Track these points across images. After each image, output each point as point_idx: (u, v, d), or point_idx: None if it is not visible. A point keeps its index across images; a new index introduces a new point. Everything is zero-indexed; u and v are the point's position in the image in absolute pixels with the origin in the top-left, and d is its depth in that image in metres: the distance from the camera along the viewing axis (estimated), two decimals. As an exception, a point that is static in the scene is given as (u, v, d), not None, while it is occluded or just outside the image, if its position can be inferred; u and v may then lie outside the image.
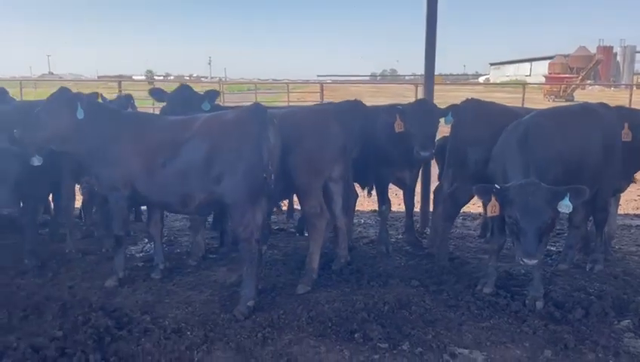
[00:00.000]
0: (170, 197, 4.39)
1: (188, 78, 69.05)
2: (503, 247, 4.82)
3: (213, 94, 5.79)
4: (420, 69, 7.23)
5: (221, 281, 4.95)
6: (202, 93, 5.79)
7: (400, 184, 5.88)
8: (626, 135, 5.07)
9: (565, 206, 3.88)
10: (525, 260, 3.88)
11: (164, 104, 5.79)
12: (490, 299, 4.51)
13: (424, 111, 5.25)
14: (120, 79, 33.05)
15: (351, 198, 5.63)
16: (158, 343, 3.79)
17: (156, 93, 5.79)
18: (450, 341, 3.83)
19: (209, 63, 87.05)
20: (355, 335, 3.89)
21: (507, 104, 6.20)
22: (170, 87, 6.20)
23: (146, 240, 6.04)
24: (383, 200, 5.79)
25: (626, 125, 5.06)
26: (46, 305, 4.31)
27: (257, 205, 4.26)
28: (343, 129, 4.89)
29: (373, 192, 6.04)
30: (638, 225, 7.05)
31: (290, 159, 4.57)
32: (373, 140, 5.50)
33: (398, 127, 5.23)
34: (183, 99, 5.57)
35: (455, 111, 5.31)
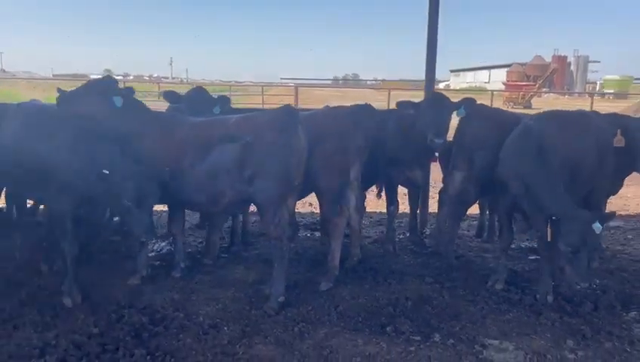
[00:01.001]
0: (202, 197, 4.44)
1: (148, 78, 67.66)
2: (510, 246, 5.11)
3: (225, 100, 5.89)
4: (380, 74, 7.45)
5: (242, 279, 5.02)
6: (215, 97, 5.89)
7: (410, 184, 6.06)
8: (619, 141, 5.42)
9: (597, 228, 4.16)
10: (582, 284, 4.27)
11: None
12: (503, 295, 4.78)
13: (438, 102, 5.44)
14: (76, 78, 32.09)
15: (359, 198, 5.79)
16: (198, 338, 3.86)
17: (170, 96, 5.81)
18: (477, 333, 4.06)
19: (170, 64, 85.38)
20: (387, 329, 4.07)
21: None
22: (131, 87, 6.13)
23: (153, 240, 6.03)
24: (392, 200, 5.99)
25: (619, 131, 5.41)
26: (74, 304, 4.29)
27: (285, 204, 4.39)
28: (359, 131, 5.06)
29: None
30: (617, 226, 7.49)
31: (313, 160, 4.70)
32: (384, 142, 5.68)
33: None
34: (199, 101, 5.62)
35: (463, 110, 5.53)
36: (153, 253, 5.73)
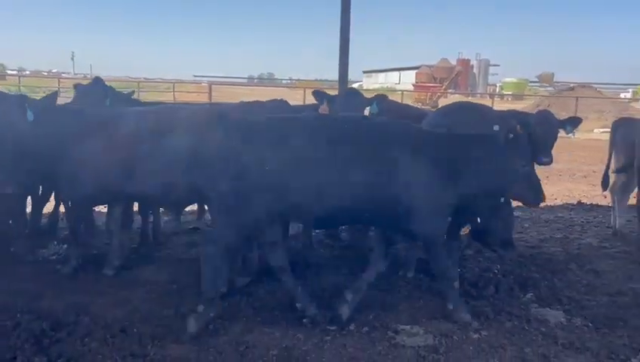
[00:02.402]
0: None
1: (47, 73, 63.37)
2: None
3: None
4: (296, 74, 7.61)
5: (153, 279, 4.84)
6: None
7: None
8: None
9: None
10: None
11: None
12: (414, 283, 4.98)
13: (352, 98, 5.55)
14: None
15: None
16: (105, 342, 3.67)
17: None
18: (390, 319, 4.19)
19: (72, 58, 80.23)
20: (304, 321, 4.09)
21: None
22: (27, 82, 5.96)
23: (55, 243, 5.68)
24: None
25: (518, 126, 5.79)
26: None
27: None
28: None
29: None
30: (515, 216, 8.03)
31: None
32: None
33: (323, 110, 5.46)
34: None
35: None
36: (55, 256, 5.38)
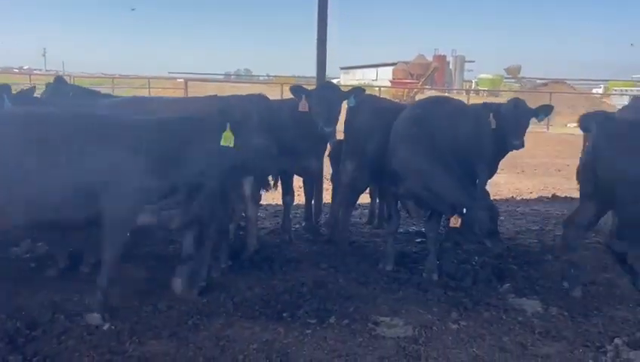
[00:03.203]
0: None
1: (17, 70, 61.85)
2: (397, 230, 5.37)
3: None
4: (273, 71, 7.58)
5: (131, 276, 4.76)
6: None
7: (305, 174, 6.11)
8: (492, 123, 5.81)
9: None
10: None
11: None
12: (393, 275, 5.01)
13: (329, 91, 5.55)
14: None
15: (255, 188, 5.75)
16: (82, 339, 3.61)
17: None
18: (370, 312, 4.21)
19: (43, 55, 78.39)
20: (284, 315, 4.09)
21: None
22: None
23: (30, 241, 5.54)
24: (288, 190, 6.02)
25: (491, 115, 5.82)
26: None
27: None
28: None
29: None
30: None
31: None
32: (278, 132, 5.67)
33: (303, 107, 5.46)
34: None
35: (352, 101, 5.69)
36: (28, 255, 5.26)
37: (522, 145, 5.40)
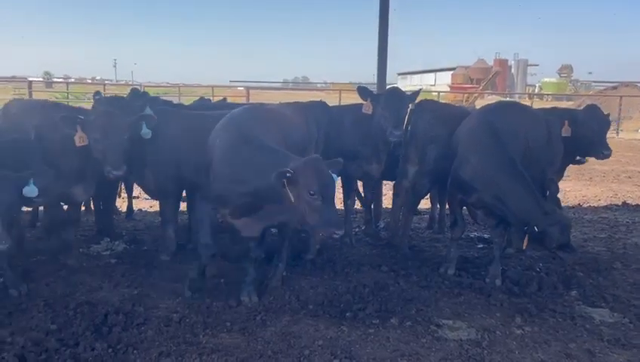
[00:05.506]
0: None
1: (90, 80, 65.33)
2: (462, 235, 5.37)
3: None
4: (330, 77, 7.68)
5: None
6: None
7: (367, 178, 6.21)
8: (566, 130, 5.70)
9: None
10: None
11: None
12: (455, 279, 5.01)
13: (397, 96, 5.64)
14: (15, 80, 30.71)
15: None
16: (160, 330, 3.86)
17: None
18: (432, 314, 4.25)
19: (114, 66, 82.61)
20: (347, 314, 4.20)
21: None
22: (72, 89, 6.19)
23: (108, 239, 5.94)
24: (349, 194, 6.14)
25: (566, 122, 5.70)
26: (28, 303, 4.20)
27: None
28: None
29: None
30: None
31: None
32: (341, 137, 5.82)
33: (366, 108, 5.57)
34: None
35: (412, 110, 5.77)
36: (108, 252, 5.64)
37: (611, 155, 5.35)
